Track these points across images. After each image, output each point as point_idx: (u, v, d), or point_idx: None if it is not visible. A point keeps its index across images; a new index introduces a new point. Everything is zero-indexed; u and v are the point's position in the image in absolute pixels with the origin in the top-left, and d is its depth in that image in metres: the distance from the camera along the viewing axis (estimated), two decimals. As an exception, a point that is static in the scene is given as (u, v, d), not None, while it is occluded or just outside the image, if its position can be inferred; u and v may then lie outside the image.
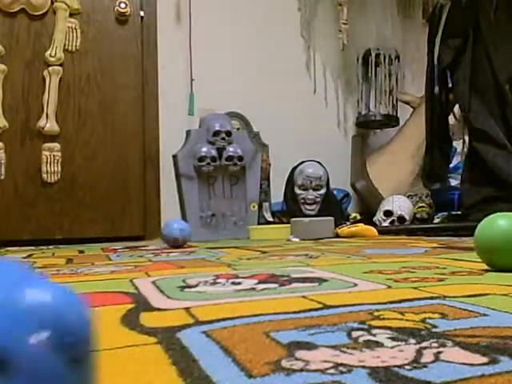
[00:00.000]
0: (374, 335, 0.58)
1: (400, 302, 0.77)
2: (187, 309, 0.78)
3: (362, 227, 2.77)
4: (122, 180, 3.18)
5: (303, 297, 0.85)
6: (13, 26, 3.01)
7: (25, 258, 1.99)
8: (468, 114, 2.82)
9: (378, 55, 3.65)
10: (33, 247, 2.68)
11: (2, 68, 2.95)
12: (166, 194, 3.19)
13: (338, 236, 2.74)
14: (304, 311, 0.72)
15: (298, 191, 3.16)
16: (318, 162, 3.19)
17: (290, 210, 3.16)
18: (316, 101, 3.75)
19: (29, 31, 3.04)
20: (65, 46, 3.08)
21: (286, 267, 1.30)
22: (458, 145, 3.43)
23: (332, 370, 0.46)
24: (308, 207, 3.14)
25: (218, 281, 1.07)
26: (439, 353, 0.50)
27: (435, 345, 0.53)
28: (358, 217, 3.36)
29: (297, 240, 2.57)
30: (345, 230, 2.76)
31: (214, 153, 2.90)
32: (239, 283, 1.03)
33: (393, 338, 0.56)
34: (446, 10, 3.01)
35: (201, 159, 2.87)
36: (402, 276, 1.06)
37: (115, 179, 3.16)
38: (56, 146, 3.04)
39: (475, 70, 2.80)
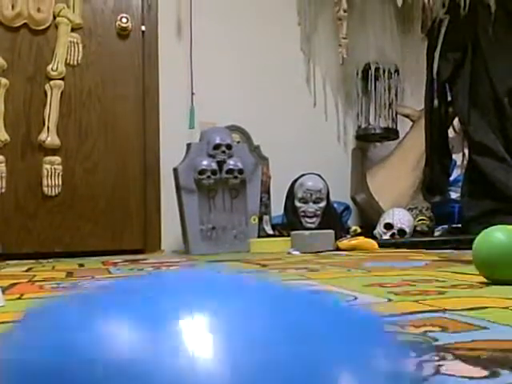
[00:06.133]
0: (375, 348, 0.57)
1: (400, 315, 0.77)
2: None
3: (362, 240, 2.76)
4: (123, 193, 3.18)
5: (304, 310, 0.84)
6: (15, 40, 3.03)
7: (25, 271, 1.99)
8: (467, 127, 2.83)
9: (377, 69, 3.67)
10: (33, 260, 2.68)
11: (3, 82, 2.97)
12: (167, 207, 3.20)
13: (338, 249, 2.73)
14: (304, 324, 0.72)
15: (298, 204, 3.16)
16: (318, 175, 3.20)
17: (291, 222, 3.16)
18: (316, 114, 3.76)
19: (31, 45, 3.06)
20: (66, 60, 3.10)
21: (287, 280, 1.30)
22: (457, 158, 3.44)
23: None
24: (308, 220, 3.14)
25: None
26: (440, 366, 0.50)
27: (436, 358, 0.53)
28: (359, 230, 3.35)
29: (297, 253, 2.56)
30: (345, 243, 2.76)
31: (214, 166, 2.90)
32: (239, 296, 1.03)
33: (393, 351, 0.56)
34: (444, 24, 3.03)
35: (201, 172, 2.87)
36: (403, 289, 1.06)
37: (116, 192, 3.17)
38: (57, 159, 3.04)
39: (474, 83, 2.82)
